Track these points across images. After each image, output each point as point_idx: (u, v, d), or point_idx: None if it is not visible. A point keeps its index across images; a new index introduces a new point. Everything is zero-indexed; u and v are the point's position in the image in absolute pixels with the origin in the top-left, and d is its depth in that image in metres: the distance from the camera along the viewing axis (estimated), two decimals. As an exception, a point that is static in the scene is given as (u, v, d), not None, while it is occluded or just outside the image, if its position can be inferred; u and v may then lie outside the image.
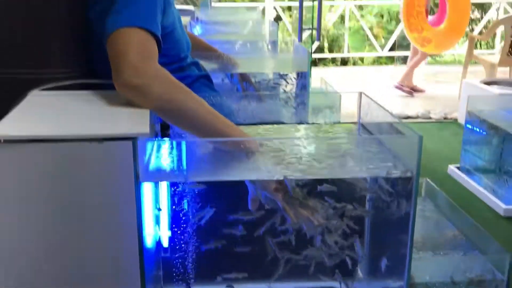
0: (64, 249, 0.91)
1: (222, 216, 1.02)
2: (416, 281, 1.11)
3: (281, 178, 0.95)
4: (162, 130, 1.11)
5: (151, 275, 0.95)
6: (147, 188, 0.94)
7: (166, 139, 1.08)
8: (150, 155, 0.96)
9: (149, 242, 0.95)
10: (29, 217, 0.90)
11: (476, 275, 1.28)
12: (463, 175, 2.99)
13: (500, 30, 6.39)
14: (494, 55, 5.26)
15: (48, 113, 1.01)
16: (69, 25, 1.18)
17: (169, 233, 1.02)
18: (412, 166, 0.89)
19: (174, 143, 0.97)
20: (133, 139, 0.88)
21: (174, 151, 0.96)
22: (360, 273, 1.07)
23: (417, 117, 4.35)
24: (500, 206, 2.62)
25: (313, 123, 1.22)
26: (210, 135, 1.02)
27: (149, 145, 0.95)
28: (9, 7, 1.11)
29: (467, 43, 4.93)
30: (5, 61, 1.12)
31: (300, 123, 1.25)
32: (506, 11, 7.30)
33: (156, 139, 1.03)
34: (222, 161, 1.00)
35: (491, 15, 7.57)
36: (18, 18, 1.12)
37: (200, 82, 1.44)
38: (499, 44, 7.30)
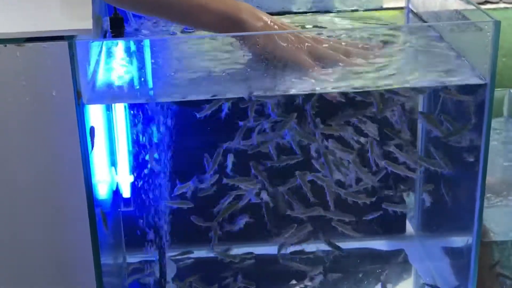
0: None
1: (206, 150, 0.66)
2: (494, 239, 0.74)
3: None
4: (113, 28, 0.70)
5: (106, 239, 0.59)
6: (94, 112, 0.57)
7: (121, 39, 0.68)
8: (98, 63, 0.58)
9: (102, 192, 0.59)
10: None
11: None
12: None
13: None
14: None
15: None
16: None
17: (130, 178, 0.65)
18: (484, 69, 0.55)
19: (133, 43, 0.57)
20: (69, 38, 0.53)
21: (134, 56, 0.57)
22: (411, 227, 0.73)
23: (499, 1, 3.54)
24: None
25: (339, 11, 0.81)
26: (186, 12, 0.61)
27: (94, 48, 0.57)
28: None
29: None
30: None
31: (325, 11, 0.81)
32: None
33: (105, 39, 0.64)
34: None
35: None
36: None
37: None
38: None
